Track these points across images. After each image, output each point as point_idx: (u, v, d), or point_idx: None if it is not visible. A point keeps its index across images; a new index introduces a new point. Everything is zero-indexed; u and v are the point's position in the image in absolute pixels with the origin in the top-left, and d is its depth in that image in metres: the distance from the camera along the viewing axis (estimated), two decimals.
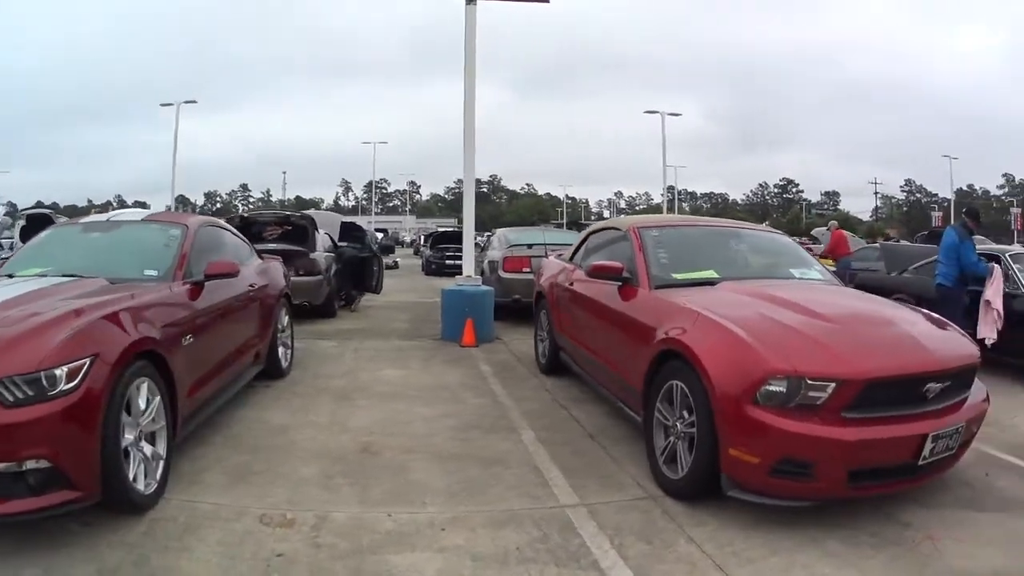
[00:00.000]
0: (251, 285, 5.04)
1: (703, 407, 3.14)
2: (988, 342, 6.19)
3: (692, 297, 3.78)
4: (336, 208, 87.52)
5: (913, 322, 3.62)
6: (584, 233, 5.96)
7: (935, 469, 3.24)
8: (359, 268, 10.39)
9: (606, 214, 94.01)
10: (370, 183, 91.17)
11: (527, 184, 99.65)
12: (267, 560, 2.66)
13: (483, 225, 51.22)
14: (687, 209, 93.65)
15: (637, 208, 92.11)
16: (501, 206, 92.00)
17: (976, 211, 7.38)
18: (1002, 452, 4.32)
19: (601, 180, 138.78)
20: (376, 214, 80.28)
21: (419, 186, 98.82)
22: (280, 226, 9.12)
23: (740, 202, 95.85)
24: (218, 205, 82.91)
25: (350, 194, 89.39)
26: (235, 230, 5.69)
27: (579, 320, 5.16)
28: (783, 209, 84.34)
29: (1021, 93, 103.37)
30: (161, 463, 3.24)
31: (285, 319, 5.90)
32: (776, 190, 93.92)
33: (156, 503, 3.11)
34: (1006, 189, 78.45)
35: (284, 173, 75.24)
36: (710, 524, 3.08)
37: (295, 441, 4.12)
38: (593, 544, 2.88)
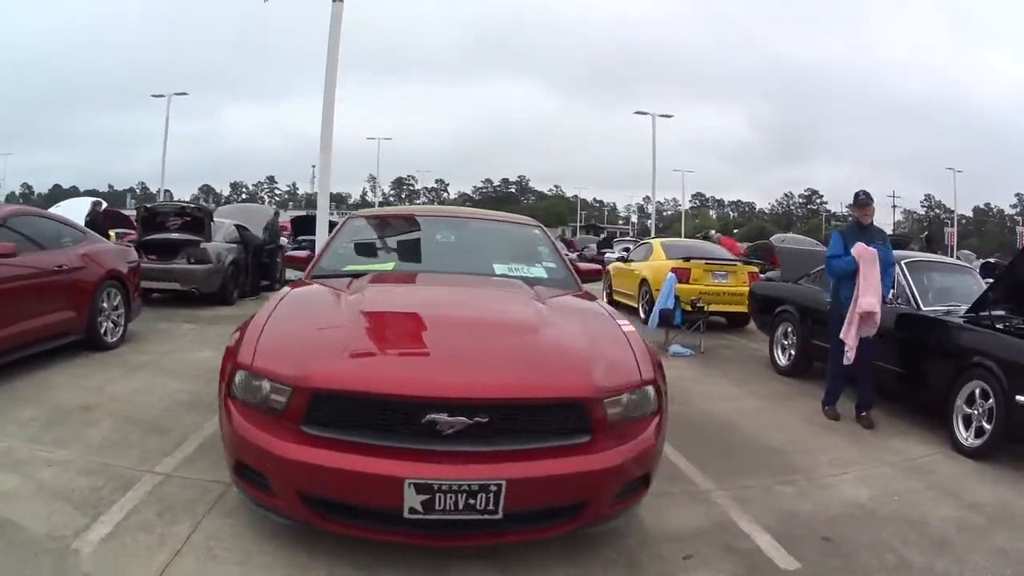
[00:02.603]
0: (59, 266, 5.82)
1: None
2: (847, 353, 5.19)
3: (303, 287, 3.75)
4: (363, 203, 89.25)
5: (498, 330, 3.10)
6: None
7: (483, 533, 2.58)
8: (266, 260, 11.17)
9: (634, 219, 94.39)
10: (397, 179, 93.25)
11: (555, 186, 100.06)
12: None
13: None
14: (713, 216, 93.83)
15: (665, 214, 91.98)
16: (523, 207, 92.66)
17: (858, 195, 5.63)
18: (763, 529, 3.28)
19: (632, 185, 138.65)
20: None
21: (447, 184, 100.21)
22: (180, 217, 9.98)
23: (767, 212, 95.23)
24: (243, 196, 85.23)
25: (377, 190, 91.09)
26: (63, 218, 6.63)
27: None
28: (805, 219, 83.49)
29: None
30: None
31: (117, 299, 6.65)
32: (801, 200, 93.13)
33: None
34: (1018, 208, 78.47)
35: (313, 167, 76.88)
36: (236, 519, 3.04)
37: (51, 396, 4.84)
38: (119, 505, 3.11)
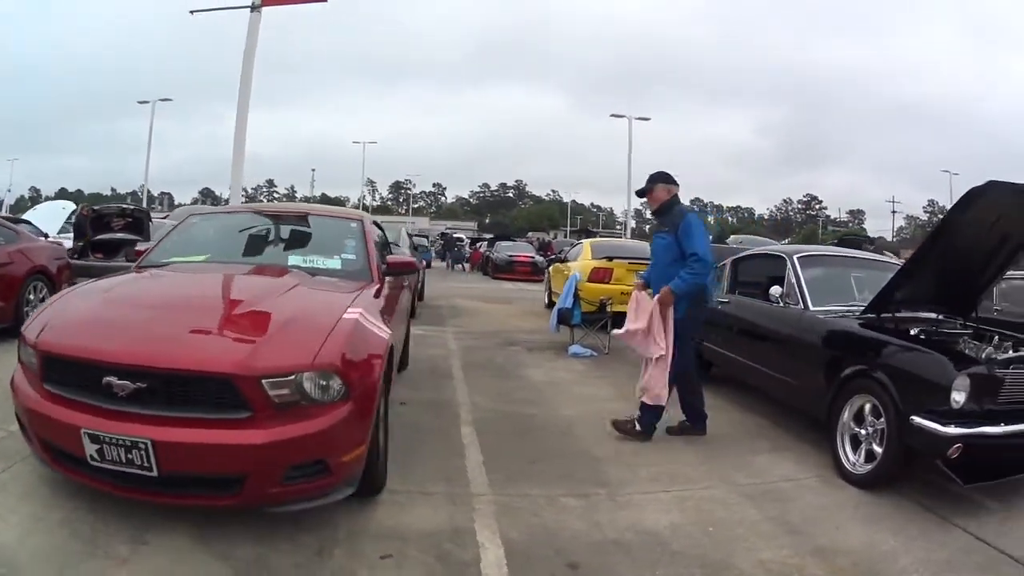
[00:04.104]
0: None
1: None
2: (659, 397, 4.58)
3: (112, 277, 4.10)
4: (359, 208, 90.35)
5: (206, 312, 3.31)
6: None
7: (148, 489, 2.82)
8: None
9: (633, 223, 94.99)
10: (395, 183, 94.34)
11: (552, 190, 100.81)
12: None
13: (505, 230, 51.96)
14: (712, 221, 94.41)
15: None
16: (517, 211, 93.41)
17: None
18: (501, 543, 2.95)
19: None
20: (401, 214, 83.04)
21: (444, 188, 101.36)
22: (123, 218, 10.83)
23: (765, 218, 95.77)
24: (243, 199, 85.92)
25: (376, 193, 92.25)
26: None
27: None
28: (803, 225, 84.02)
29: None
30: None
31: (43, 292, 7.44)
32: (800, 206, 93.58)
33: None
34: None
35: (313, 170, 78.15)
36: (40, 467, 3.30)
37: None
38: None
